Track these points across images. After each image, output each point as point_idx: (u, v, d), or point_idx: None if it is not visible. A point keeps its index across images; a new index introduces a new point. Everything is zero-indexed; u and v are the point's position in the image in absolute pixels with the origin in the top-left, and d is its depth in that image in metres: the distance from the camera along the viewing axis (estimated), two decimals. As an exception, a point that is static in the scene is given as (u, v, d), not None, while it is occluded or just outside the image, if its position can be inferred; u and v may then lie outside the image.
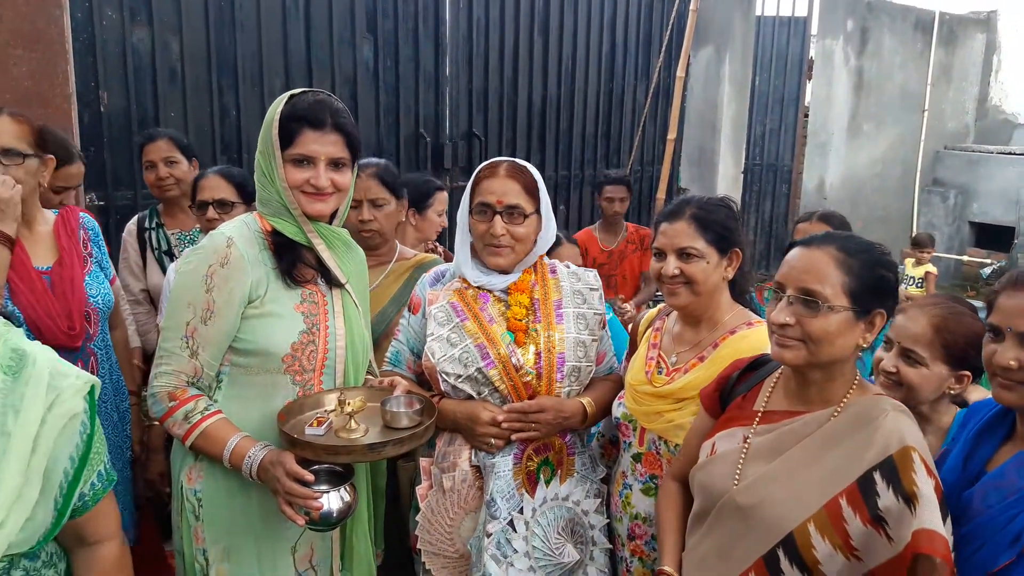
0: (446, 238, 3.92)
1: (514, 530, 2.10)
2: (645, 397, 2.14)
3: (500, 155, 2.26)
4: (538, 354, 2.15)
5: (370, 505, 2.24)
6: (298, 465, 1.81)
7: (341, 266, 2.09)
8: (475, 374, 2.12)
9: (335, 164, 1.97)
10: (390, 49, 5.54)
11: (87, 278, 2.50)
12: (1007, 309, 1.56)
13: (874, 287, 1.59)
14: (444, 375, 2.13)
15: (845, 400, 1.62)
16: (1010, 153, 9.62)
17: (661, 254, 2.13)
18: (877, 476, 1.51)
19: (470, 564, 2.15)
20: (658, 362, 2.19)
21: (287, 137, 1.93)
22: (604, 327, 2.32)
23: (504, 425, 2.10)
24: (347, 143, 1.98)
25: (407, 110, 5.71)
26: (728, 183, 7.85)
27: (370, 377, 2.19)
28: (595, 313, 2.26)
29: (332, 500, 1.83)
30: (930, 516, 1.46)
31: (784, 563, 1.56)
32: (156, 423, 2.07)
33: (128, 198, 4.37)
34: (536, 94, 6.58)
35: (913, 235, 8.18)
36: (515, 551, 2.09)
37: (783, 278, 1.63)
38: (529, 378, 2.13)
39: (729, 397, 1.84)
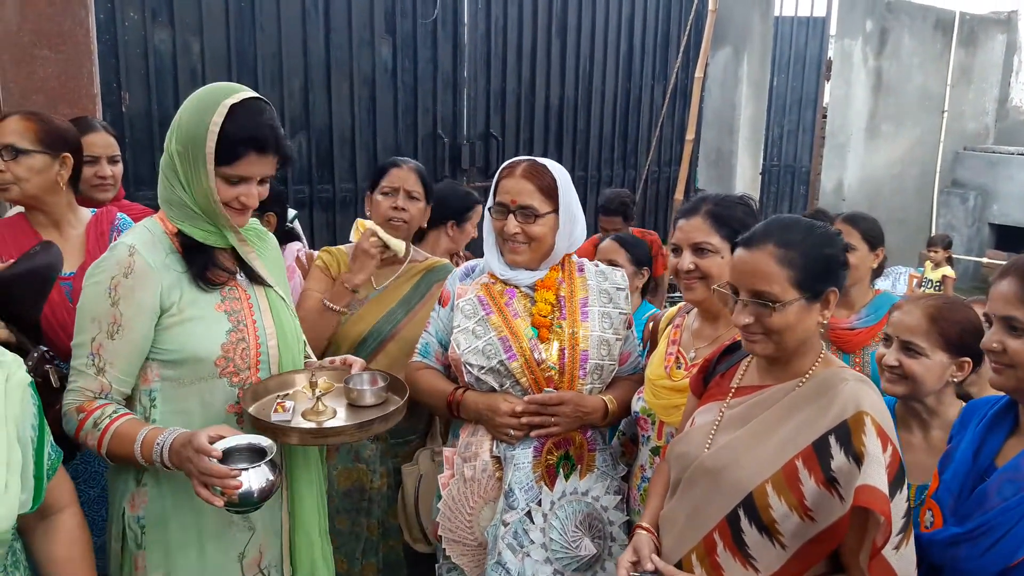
0: (470, 246, 3.94)
1: (531, 521, 2.12)
2: (664, 391, 2.17)
3: (517, 156, 2.30)
4: (562, 350, 2.18)
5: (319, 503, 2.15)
6: (209, 443, 1.70)
7: (262, 261, 2.02)
8: (497, 366, 2.15)
9: (262, 180, 1.90)
10: (409, 50, 5.57)
11: None
12: (992, 296, 1.66)
13: (820, 270, 1.66)
14: (468, 366, 2.17)
15: (810, 372, 1.71)
16: (1031, 154, 9.55)
17: (678, 249, 2.18)
18: (832, 439, 1.58)
19: (488, 552, 2.17)
20: (677, 357, 2.21)
21: (228, 156, 1.79)
22: (630, 327, 2.35)
23: (524, 419, 2.13)
24: (279, 162, 1.91)
25: (425, 111, 5.74)
26: (746, 184, 7.84)
27: (312, 360, 2.14)
28: (620, 312, 2.29)
29: (252, 478, 1.68)
30: (873, 473, 1.52)
31: (744, 523, 1.63)
32: None
33: (149, 198, 4.40)
34: (554, 95, 6.59)
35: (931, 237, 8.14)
36: (532, 542, 2.11)
37: (735, 281, 1.71)
38: (551, 373, 2.16)
39: (711, 377, 1.93)
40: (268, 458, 1.72)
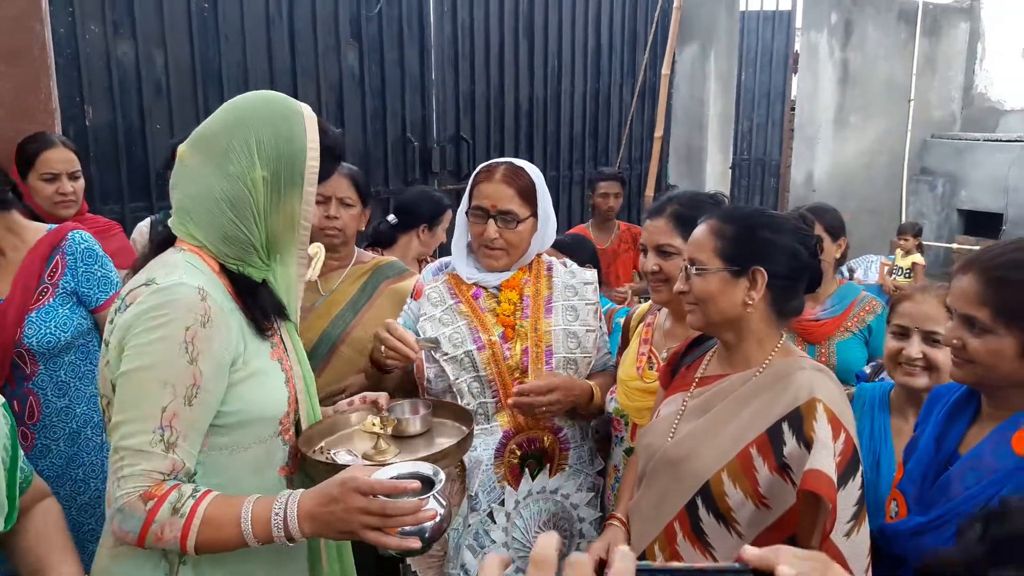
0: (437, 251, 3.95)
1: (493, 521, 2.11)
2: (636, 393, 2.16)
3: (488, 158, 2.28)
4: (524, 349, 2.16)
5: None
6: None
7: None
8: (462, 356, 2.13)
9: None
10: (375, 55, 5.56)
11: (37, 312, 2.32)
12: (954, 290, 1.68)
13: (748, 247, 1.71)
14: (433, 352, 2.14)
15: (767, 362, 1.74)
16: (997, 140, 9.65)
17: (645, 250, 2.19)
18: (785, 426, 1.61)
19: (448, 558, 2.14)
20: (649, 358, 2.21)
21: (322, 174, 1.61)
22: (600, 318, 2.33)
23: (511, 402, 2.10)
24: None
25: (394, 115, 5.72)
26: (716, 179, 7.87)
27: (325, 410, 1.89)
28: (587, 304, 2.27)
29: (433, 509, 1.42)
30: (821, 458, 1.54)
31: (702, 511, 1.67)
32: None
33: (116, 212, 4.37)
34: (523, 95, 6.59)
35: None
36: (493, 541, 2.10)
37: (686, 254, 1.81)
38: (516, 375, 2.15)
39: (678, 369, 1.96)
40: (437, 488, 1.43)
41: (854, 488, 1.57)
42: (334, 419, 1.78)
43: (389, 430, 1.70)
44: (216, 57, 4.76)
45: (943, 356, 1.97)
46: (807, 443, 1.57)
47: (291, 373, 1.66)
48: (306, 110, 1.61)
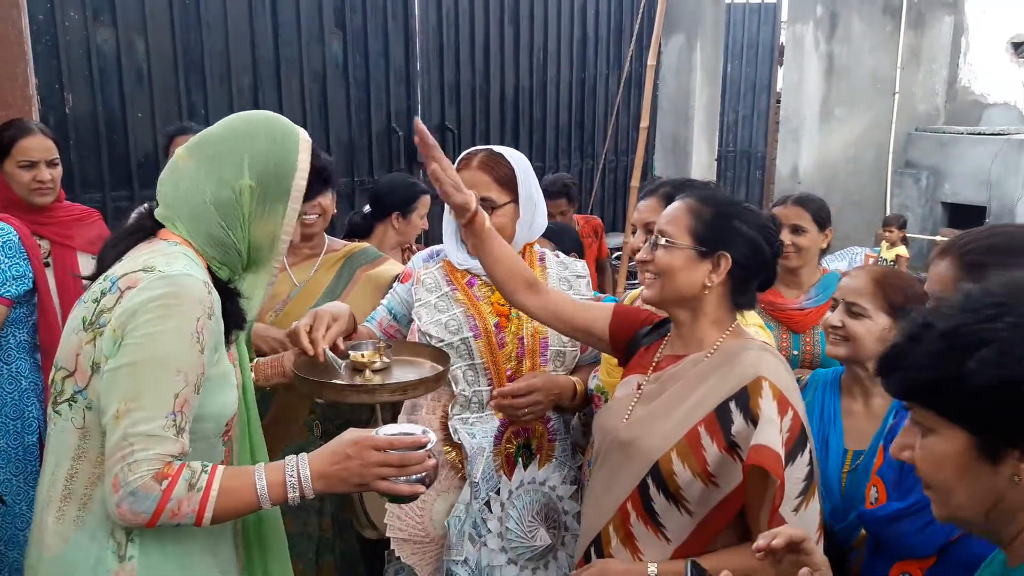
0: (423, 239, 3.92)
1: (490, 510, 2.12)
2: (616, 368, 2.19)
3: (473, 147, 2.29)
4: (520, 339, 2.17)
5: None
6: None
7: None
8: (458, 343, 2.13)
9: None
10: (359, 44, 5.53)
11: None
12: (930, 277, 1.68)
13: (719, 232, 1.73)
14: (428, 337, 2.14)
15: (719, 343, 1.76)
16: (980, 133, 9.70)
17: (636, 230, 2.22)
18: (732, 405, 1.64)
19: (442, 547, 2.14)
20: None
21: (309, 193, 1.67)
22: None
23: (492, 404, 2.14)
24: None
25: (378, 105, 5.70)
26: (702, 170, 7.90)
27: (286, 354, 2.08)
28: (581, 299, 2.28)
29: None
30: (767, 434, 1.57)
31: (653, 491, 1.69)
32: None
33: (97, 200, 4.33)
34: (508, 85, 6.58)
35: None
36: (489, 531, 2.11)
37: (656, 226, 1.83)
38: (511, 364, 2.16)
39: (635, 349, 1.97)
40: (433, 442, 1.60)
41: (802, 464, 1.60)
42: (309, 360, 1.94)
43: (377, 362, 1.91)
44: (198, 46, 4.72)
45: (860, 328, 2.02)
46: (754, 420, 1.60)
47: (237, 380, 1.70)
48: (303, 134, 1.68)
